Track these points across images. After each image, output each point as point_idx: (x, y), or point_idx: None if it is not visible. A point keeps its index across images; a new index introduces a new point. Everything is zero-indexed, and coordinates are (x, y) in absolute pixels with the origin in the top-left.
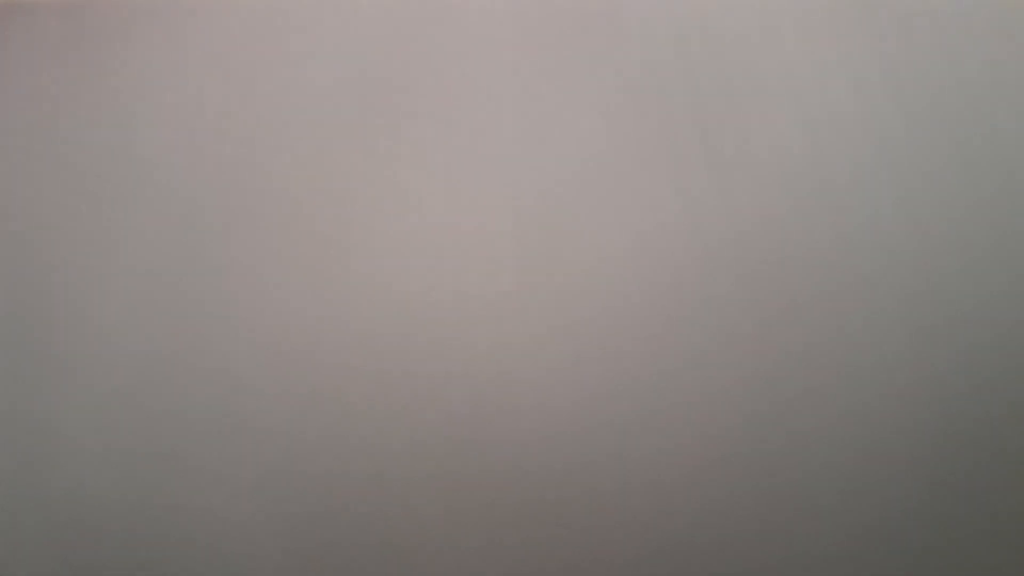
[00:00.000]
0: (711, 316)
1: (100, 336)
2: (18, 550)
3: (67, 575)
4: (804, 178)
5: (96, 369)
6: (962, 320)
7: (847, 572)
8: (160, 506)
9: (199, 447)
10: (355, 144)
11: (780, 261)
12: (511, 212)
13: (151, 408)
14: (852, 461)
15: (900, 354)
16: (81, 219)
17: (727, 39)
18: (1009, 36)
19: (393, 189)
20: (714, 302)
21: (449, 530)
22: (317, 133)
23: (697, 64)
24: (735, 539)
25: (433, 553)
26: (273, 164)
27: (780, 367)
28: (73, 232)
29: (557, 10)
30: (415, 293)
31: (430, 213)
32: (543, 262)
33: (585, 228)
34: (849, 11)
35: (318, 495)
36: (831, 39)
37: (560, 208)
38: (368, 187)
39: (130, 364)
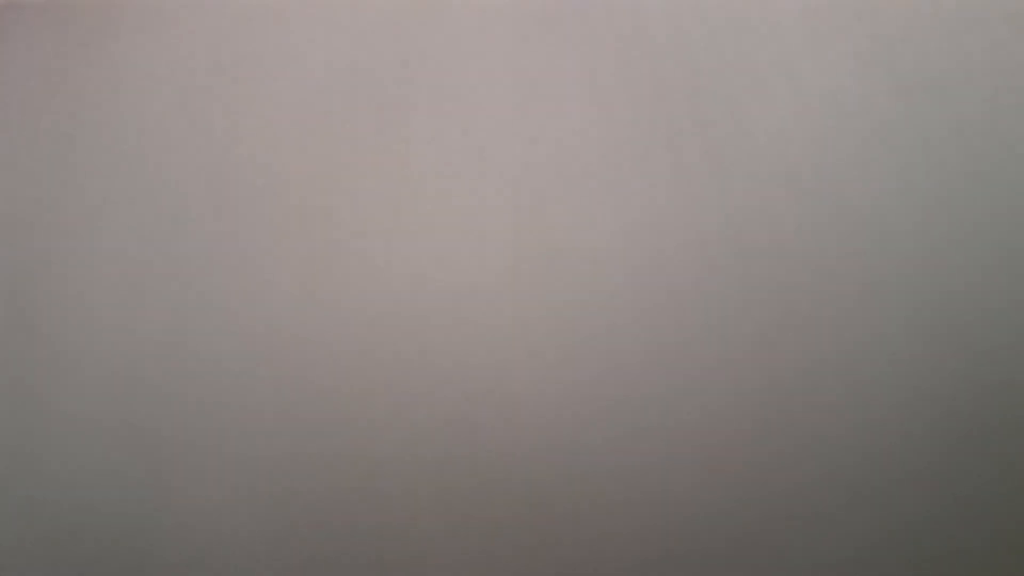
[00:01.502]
0: (708, 308)
1: (94, 332)
2: (12, 545)
3: (59, 573)
4: (803, 171)
5: (91, 365)
6: (965, 315)
7: None
8: (155, 503)
9: (194, 444)
10: (349, 137)
11: (779, 254)
12: (507, 205)
13: (147, 405)
14: (854, 460)
15: (901, 349)
16: (79, 217)
17: (726, 31)
18: (1013, 30)
19: (389, 183)
20: (711, 294)
21: (446, 526)
22: (311, 128)
23: (695, 56)
24: (735, 541)
25: (429, 556)
26: (268, 160)
27: (778, 360)
28: (70, 229)
29: (556, 6)
30: (411, 287)
31: (425, 206)
32: (540, 254)
33: (582, 221)
34: (849, 6)
35: (311, 499)
36: (831, 31)
37: (557, 200)
38: (363, 181)
39: (125, 360)
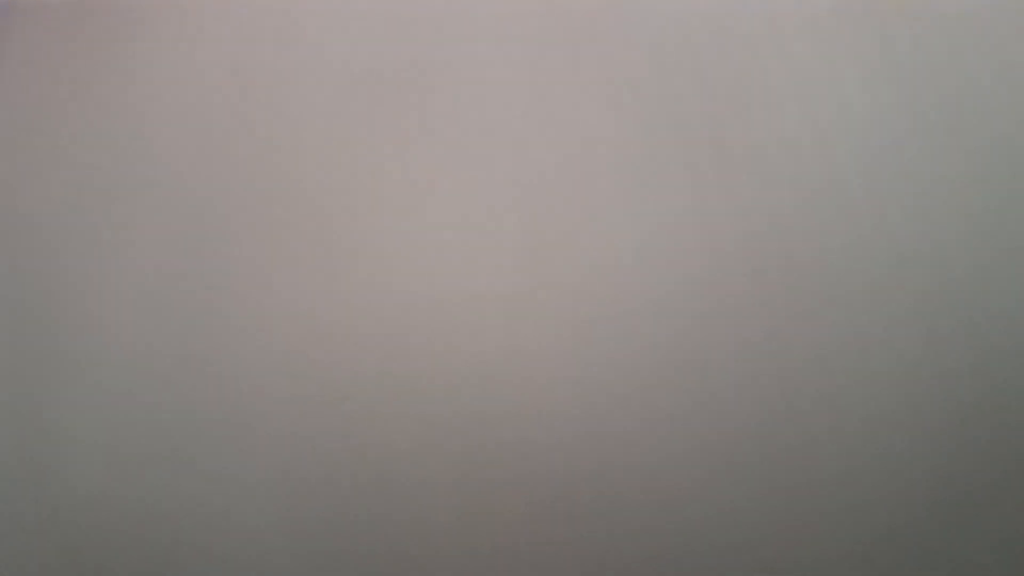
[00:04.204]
0: (721, 315)
1: (108, 336)
2: (24, 552)
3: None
4: (814, 177)
5: (103, 369)
6: (974, 320)
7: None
8: (167, 508)
9: (207, 448)
10: (364, 141)
11: (790, 259)
12: (520, 211)
13: (159, 409)
14: (864, 463)
15: (912, 354)
16: (87, 219)
17: (737, 38)
18: (1019, 35)
19: (403, 187)
20: (724, 301)
21: (459, 532)
22: (326, 131)
23: (707, 63)
24: (748, 542)
25: (443, 556)
26: (281, 163)
27: (791, 367)
28: (79, 231)
29: (567, 8)
30: (425, 292)
31: (440, 211)
32: (553, 261)
33: (595, 227)
34: (858, 10)
35: (326, 496)
36: (841, 38)
37: (570, 207)
38: (377, 185)
39: (138, 364)
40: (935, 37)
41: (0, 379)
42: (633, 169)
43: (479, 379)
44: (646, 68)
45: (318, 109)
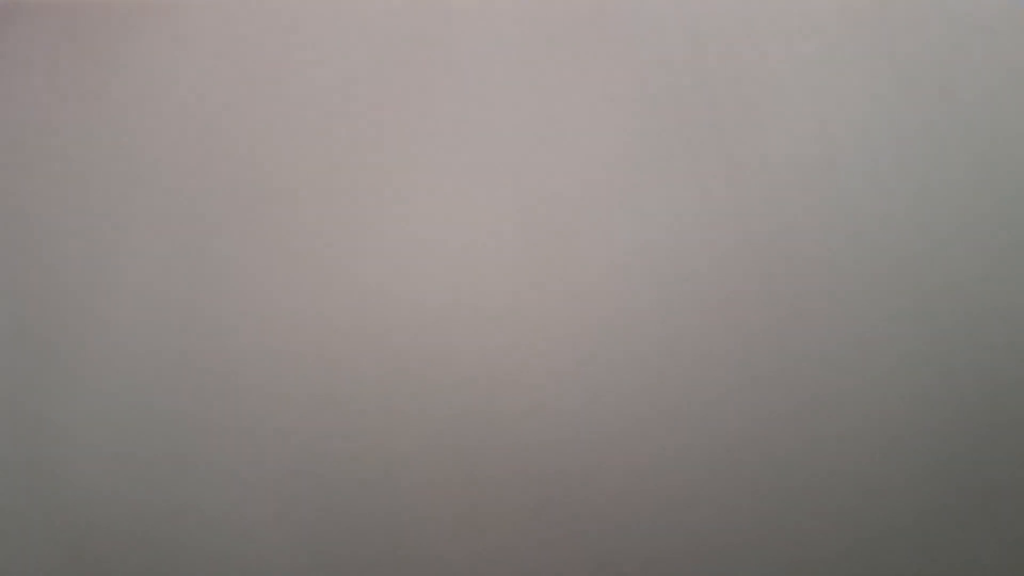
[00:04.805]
0: (726, 318)
1: (109, 337)
2: (27, 551)
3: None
4: (820, 179)
5: (105, 370)
6: (980, 321)
7: (862, 575)
8: (168, 507)
9: (208, 449)
10: (364, 145)
11: (795, 262)
12: (523, 214)
13: (160, 409)
14: (869, 463)
15: (917, 356)
16: (87, 219)
17: (742, 40)
18: (1021, 31)
19: (403, 191)
20: (729, 304)
21: (460, 533)
22: (325, 134)
23: (712, 65)
24: (750, 542)
25: (444, 557)
26: (281, 166)
27: (796, 369)
28: (78, 232)
29: (570, 10)
30: (426, 295)
31: (441, 215)
32: (556, 264)
33: (599, 230)
34: (864, 11)
35: (328, 497)
36: (847, 40)
37: (573, 210)
38: (378, 188)
39: (139, 364)
40: (942, 41)
41: (1, 378)
42: (637, 171)
43: (479, 379)
44: (651, 69)
45: (317, 109)
